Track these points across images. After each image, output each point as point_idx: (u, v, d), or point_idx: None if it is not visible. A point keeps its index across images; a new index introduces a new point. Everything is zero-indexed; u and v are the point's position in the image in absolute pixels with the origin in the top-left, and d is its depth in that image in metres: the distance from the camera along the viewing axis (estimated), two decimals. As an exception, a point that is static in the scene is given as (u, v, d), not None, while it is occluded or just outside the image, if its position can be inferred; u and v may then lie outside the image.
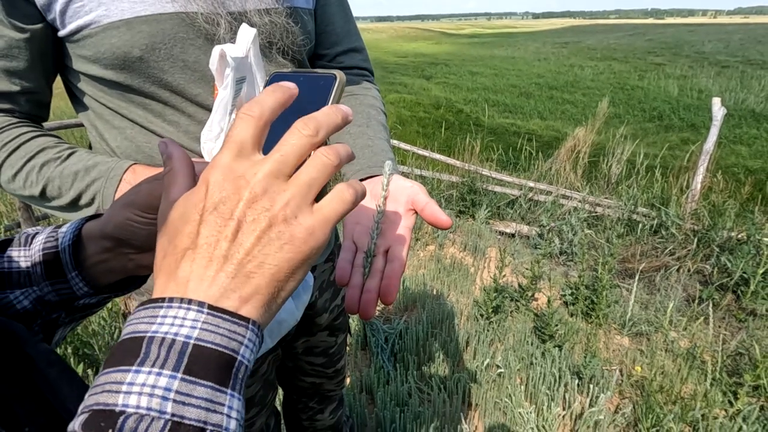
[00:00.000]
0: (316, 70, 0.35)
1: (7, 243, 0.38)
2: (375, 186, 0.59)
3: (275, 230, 0.25)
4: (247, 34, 0.48)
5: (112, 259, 0.37)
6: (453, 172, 4.33)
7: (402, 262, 0.48)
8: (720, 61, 16.36)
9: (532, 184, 3.79)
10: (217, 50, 0.47)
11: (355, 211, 0.55)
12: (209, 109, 0.61)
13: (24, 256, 0.37)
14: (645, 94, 12.38)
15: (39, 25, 0.55)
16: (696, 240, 2.96)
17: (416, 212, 0.52)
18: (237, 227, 0.25)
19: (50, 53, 0.59)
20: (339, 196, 0.28)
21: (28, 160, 0.57)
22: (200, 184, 0.26)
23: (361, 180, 0.62)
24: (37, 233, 0.39)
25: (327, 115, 0.29)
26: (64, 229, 0.38)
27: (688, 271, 2.87)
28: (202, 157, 0.61)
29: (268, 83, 0.36)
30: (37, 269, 0.37)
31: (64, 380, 0.32)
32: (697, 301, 2.67)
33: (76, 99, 0.65)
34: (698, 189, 3.25)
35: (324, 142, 0.29)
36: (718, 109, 3.30)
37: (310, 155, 0.28)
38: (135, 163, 0.58)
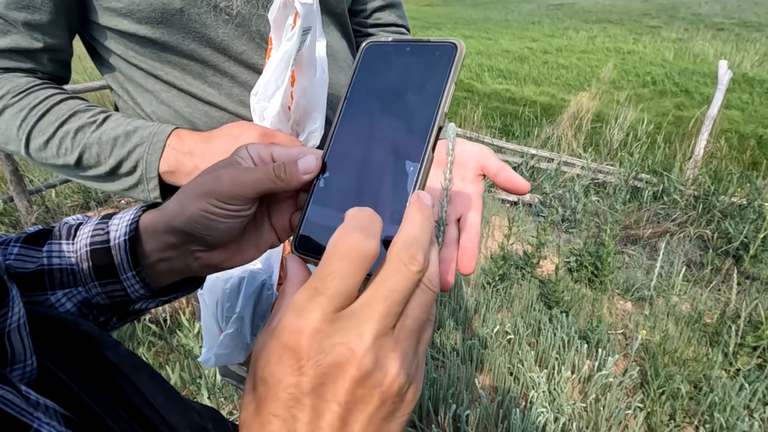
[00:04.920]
0: (425, 38, 0.29)
1: (46, 234, 0.33)
2: (438, 151, 0.55)
3: (387, 405, 0.21)
4: (314, -23, 0.42)
5: (176, 258, 0.32)
6: (453, 140, 4.26)
7: (477, 230, 0.45)
8: (716, 24, 16.12)
9: (534, 152, 3.75)
10: (280, -4, 0.41)
11: None
12: (254, 69, 0.56)
13: (67, 251, 0.32)
14: (640, 58, 12.21)
15: None
16: (698, 205, 2.99)
17: (485, 177, 0.49)
18: (344, 414, 0.20)
19: (75, 5, 0.52)
20: (424, 308, 0.23)
21: (61, 125, 0.51)
22: (287, 352, 0.21)
23: None
24: (81, 224, 0.33)
25: (425, 229, 0.23)
26: (115, 220, 0.32)
27: (690, 236, 2.91)
28: (249, 119, 0.56)
29: (361, 57, 0.30)
30: (84, 267, 0.31)
31: (156, 387, 0.28)
32: (698, 265, 2.72)
33: (101, 59, 0.58)
34: (701, 155, 3.25)
35: None
36: (724, 73, 3.26)
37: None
38: (178, 128, 0.53)
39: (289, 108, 0.51)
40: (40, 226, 0.33)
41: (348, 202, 0.28)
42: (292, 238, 0.31)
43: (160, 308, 2.06)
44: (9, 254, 0.31)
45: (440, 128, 0.28)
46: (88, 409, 0.25)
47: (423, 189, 0.27)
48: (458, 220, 0.46)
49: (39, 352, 0.26)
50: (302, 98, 0.50)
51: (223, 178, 0.30)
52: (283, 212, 0.33)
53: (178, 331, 1.93)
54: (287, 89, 0.48)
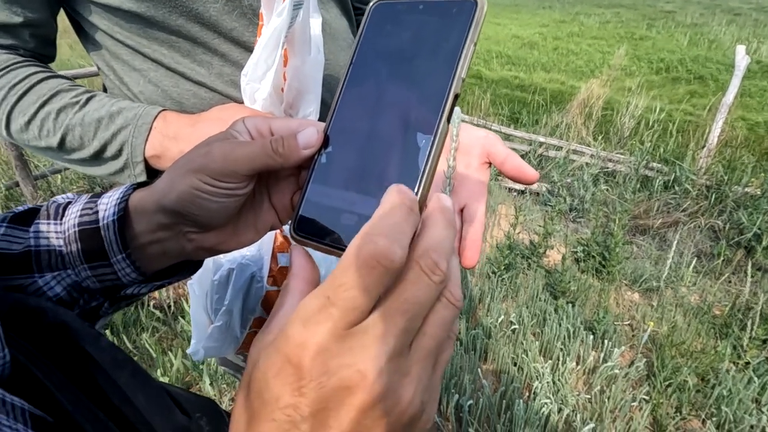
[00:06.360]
0: None
1: (33, 214, 0.31)
2: None
3: None
4: (305, -56, 0.39)
5: (168, 239, 0.30)
6: (460, 127, 4.20)
7: (482, 222, 0.43)
8: (732, 8, 15.66)
9: (542, 139, 3.69)
10: (269, -34, 0.38)
11: None
12: (246, 48, 0.53)
13: (55, 231, 0.30)
14: (653, 44, 11.92)
15: None
16: (711, 195, 2.93)
17: (491, 165, 0.46)
18: None
19: None
20: (444, 325, 0.20)
21: (42, 105, 0.49)
22: (287, 366, 0.18)
23: None
24: (69, 203, 0.31)
25: (448, 235, 0.20)
26: (104, 199, 0.30)
27: (701, 227, 2.86)
28: (240, 101, 0.53)
29: (368, 17, 0.27)
30: (72, 249, 0.29)
31: (138, 386, 0.26)
32: (708, 257, 2.67)
33: (87, 35, 0.56)
34: (715, 143, 3.17)
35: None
36: (741, 59, 3.15)
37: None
38: (165, 110, 0.50)
39: (282, 90, 0.48)
40: (29, 206, 0.31)
41: (352, 179, 0.26)
42: (290, 220, 0.28)
43: (165, 294, 2.07)
44: None
45: (457, 96, 0.25)
46: (62, 409, 0.23)
47: (436, 165, 0.24)
48: (461, 211, 0.44)
49: (13, 344, 0.24)
50: (295, 79, 0.47)
51: (214, 152, 0.27)
52: (284, 191, 0.31)
53: (181, 317, 1.93)
54: (279, 69, 0.45)
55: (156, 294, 2.09)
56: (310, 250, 0.26)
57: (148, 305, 2.01)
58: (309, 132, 0.27)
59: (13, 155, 2.62)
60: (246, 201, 0.30)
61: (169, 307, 2.03)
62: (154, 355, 1.71)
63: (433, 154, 0.24)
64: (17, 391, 0.21)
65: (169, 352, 1.73)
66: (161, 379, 1.49)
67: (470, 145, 0.46)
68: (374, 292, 0.19)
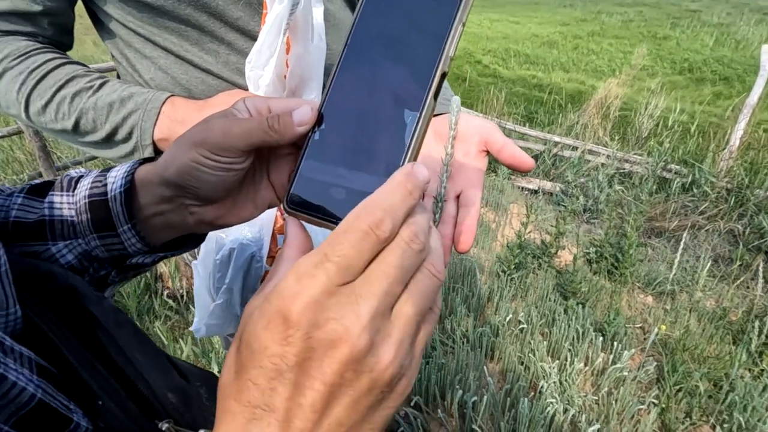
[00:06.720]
0: None
1: (48, 186, 0.33)
2: (440, 125, 0.53)
3: (375, 393, 0.20)
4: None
5: (171, 212, 0.31)
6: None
7: (477, 208, 0.44)
8: (762, 7, 15.17)
9: (557, 139, 3.64)
10: (271, -46, 0.39)
11: (420, 154, 0.49)
12: (251, 37, 0.54)
13: (67, 202, 0.32)
14: (677, 43, 11.63)
15: None
16: (731, 198, 2.85)
17: (488, 153, 0.47)
18: (328, 395, 0.19)
19: None
20: (426, 295, 0.22)
21: (59, 90, 0.51)
22: (277, 317, 0.20)
23: None
24: (81, 176, 0.33)
25: (425, 216, 0.22)
26: (113, 173, 0.32)
27: (719, 230, 2.79)
28: (246, 89, 0.54)
29: (363, 1, 0.28)
30: (83, 219, 0.31)
31: (136, 344, 0.28)
32: (726, 261, 2.61)
33: (102, 24, 0.58)
34: (737, 145, 3.08)
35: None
36: (767, 59, 3.06)
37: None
38: (173, 95, 0.52)
39: (285, 77, 0.49)
40: (45, 179, 0.34)
41: (343, 155, 0.27)
42: (284, 194, 0.29)
43: (178, 284, 2.12)
44: (13, 204, 0.31)
45: (444, 74, 0.26)
46: (66, 362, 0.25)
47: (422, 140, 0.26)
48: (458, 197, 0.45)
49: (25, 303, 0.26)
50: (297, 66, 0.48)
51: (214, 128, 0.29)
52: (282, 168, 0.32)
53: (192, 306, 1.97)
54: (281, 56, 0.47)
55: (169, 284, 2.14)
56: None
57: (162, 294, 2.06)
58: (303, 110, 0.28)
59: (37, 146, 2.70)
60: (246, 177, 0.32)
61: (182, 296, 2.08)
62: (166, 342, 1.76)
63: (419, 130, 0.25)
64: (27, 345, 0.23)
65: (180, 340, 1.77)
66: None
67: (468, 134, 0.47)
68: (366, 256, 0.20)
